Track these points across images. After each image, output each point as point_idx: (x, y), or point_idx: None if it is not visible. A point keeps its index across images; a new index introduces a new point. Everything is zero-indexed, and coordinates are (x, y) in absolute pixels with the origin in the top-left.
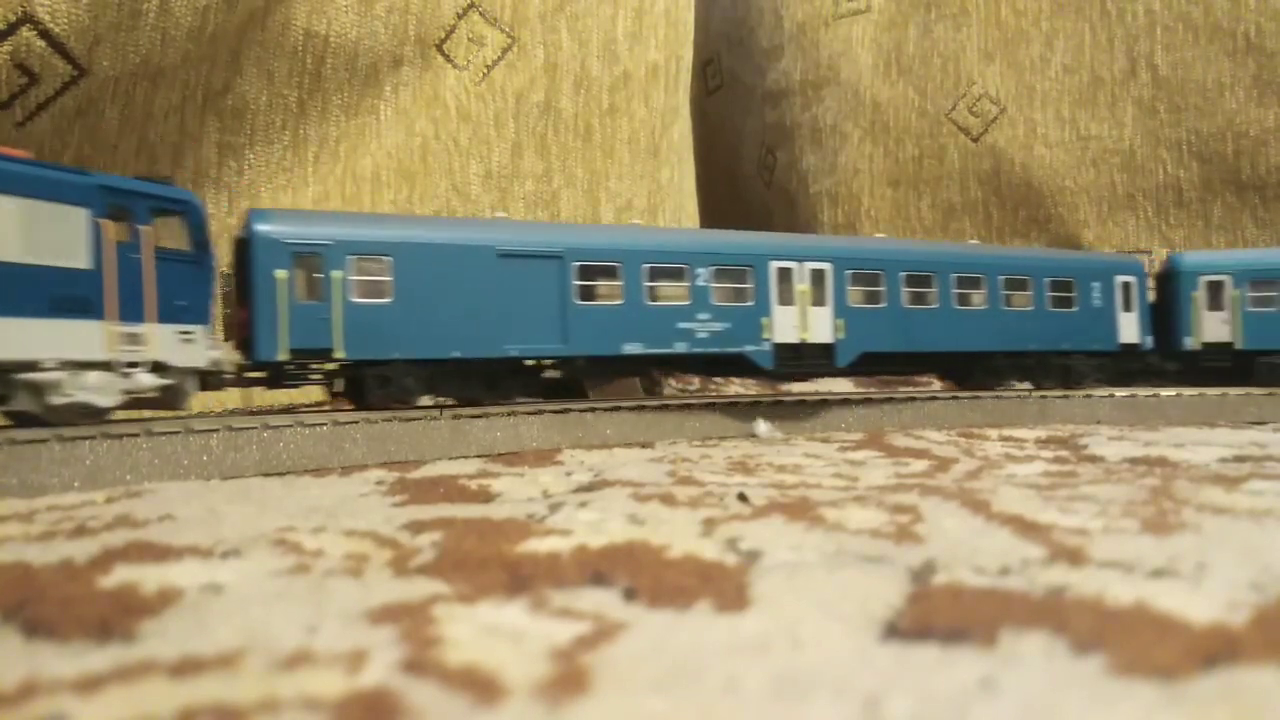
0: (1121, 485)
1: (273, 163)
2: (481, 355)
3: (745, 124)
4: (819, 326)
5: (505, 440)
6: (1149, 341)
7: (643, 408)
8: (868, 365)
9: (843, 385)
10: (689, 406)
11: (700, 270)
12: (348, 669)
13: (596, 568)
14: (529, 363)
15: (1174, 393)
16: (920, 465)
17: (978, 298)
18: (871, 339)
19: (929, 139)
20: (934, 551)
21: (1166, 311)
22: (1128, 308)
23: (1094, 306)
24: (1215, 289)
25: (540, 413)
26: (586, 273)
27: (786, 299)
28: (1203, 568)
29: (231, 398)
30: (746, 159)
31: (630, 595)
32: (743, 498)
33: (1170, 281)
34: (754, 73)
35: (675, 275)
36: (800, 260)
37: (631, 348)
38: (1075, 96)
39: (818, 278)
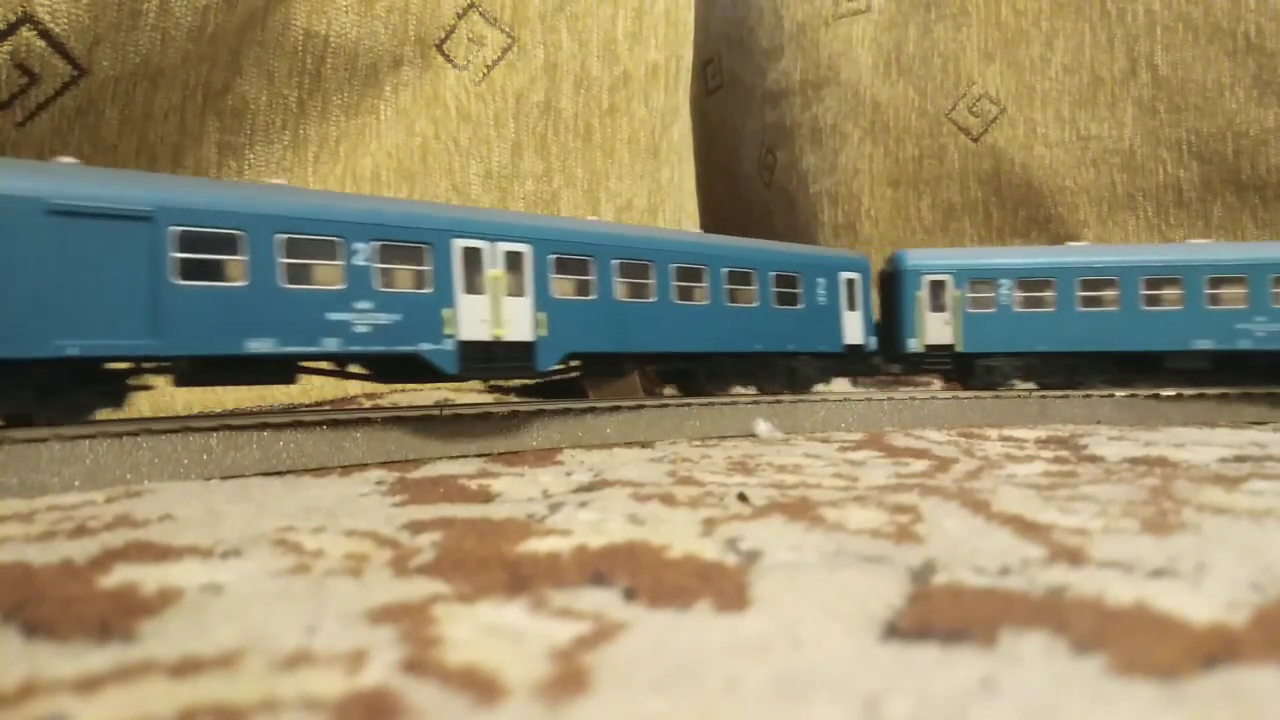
0: (1121, 485)
1: (273, 162)
2: (18, 355)
3: (745, 124)
4: (516, 321)
5: (505, 440)
6: (873, 342)
7: (642, 407)
8: (577, 369)
9: (842, 385)
10: (689, 406)
11: (358, 246)
12: (348, 669)
13: (596, 568)
14: (116, 366)
15: (1174, 393)
16: (920, 465)
17: (699, 292)
18: (579, 338)
19: (929, 139)
20: (934, 551)
21: (890, 311)
22: (852, 306)
23: (819, 304)
24: (937, 289)
25: (540, 412)
26: (191, 242)
27: (475, 287)
28: (1203, 568)
29: (230, 397)
30: (746, 159)
31: (630, 595)
32: (743, 498)
33: (894, 280)
34: (754, 73)
35: (323, 251)
36: (492, 239)
37: (259, 345)
38: (1075, 96)
39: (514, 261)
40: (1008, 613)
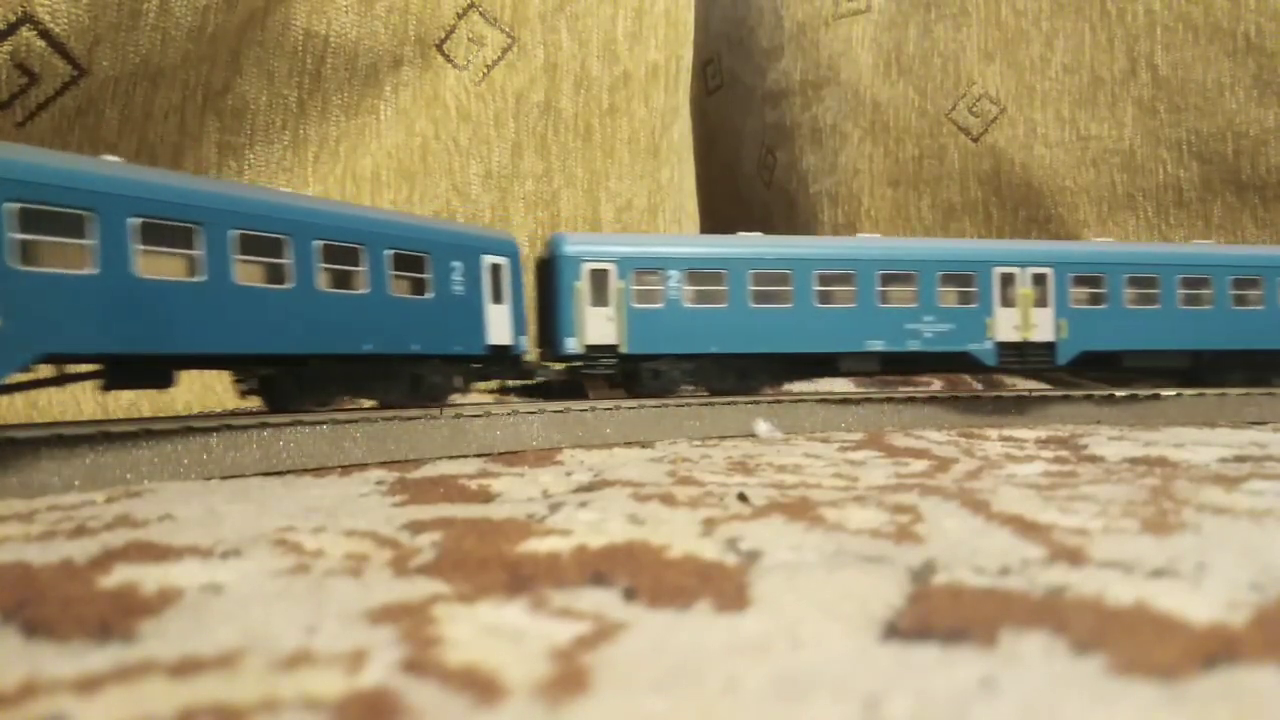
0: (1121, 485)
1: (273, 162)
2: None
3: (745, 124)
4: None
5: (505, 440)
6: (523, 343)
7: (643, 407)
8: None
9: (843, 385)
10: (689, 406)
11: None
12: (348, 669)
13: (596, 568)
14: None
15: (1174, 393)
16: (920, 465)
17: (278, 273)
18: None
19: (929, 139)
20: (934, 551)
21: (547, 306)
22: (498, 298)
23: (454, 295)
24: (600, 280)
25: (540, 412)
26: None
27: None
28: (1203, 568)
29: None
30: (746, 159)
31: (630, 595)
32: (743, 498)
33: (550, 269)
34: (754, 73)
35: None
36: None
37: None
38: (1075, 96)
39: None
40: (1008, 613)
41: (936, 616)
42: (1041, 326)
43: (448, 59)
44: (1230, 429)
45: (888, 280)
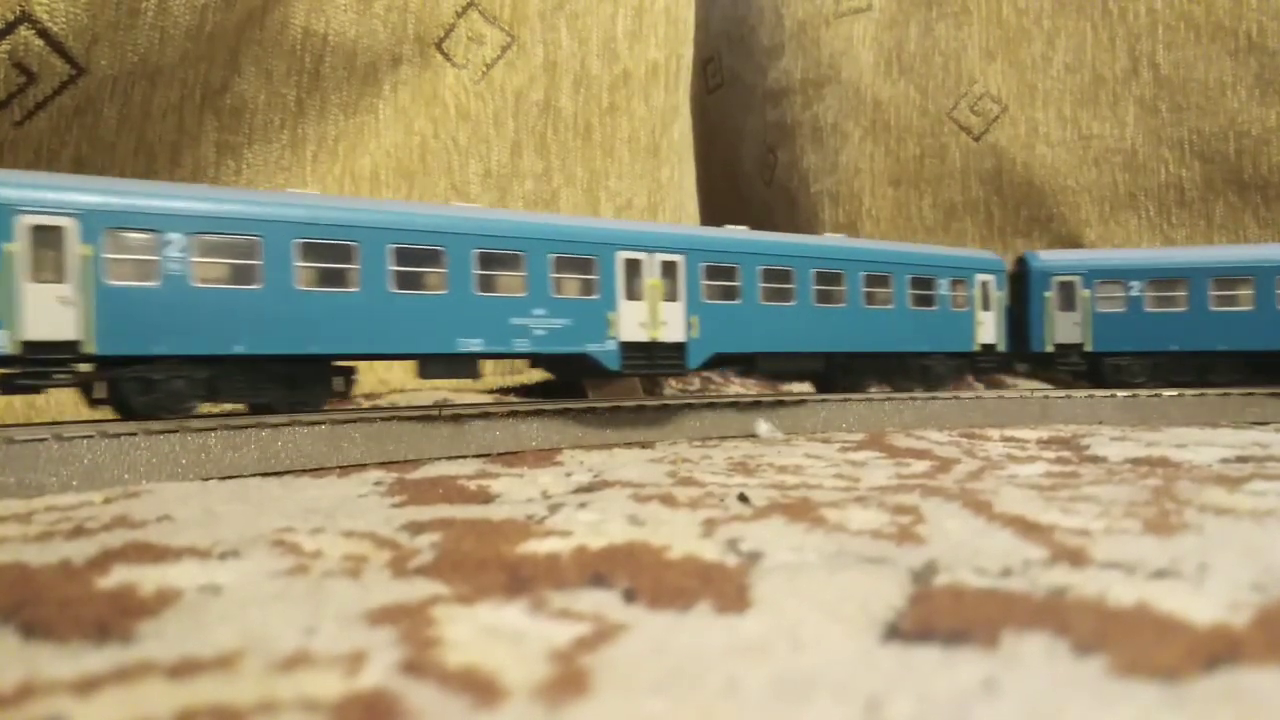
0: (1123, 486)
1: (271, 162)
2: None
3: (746, 123)
4: None
5: (504, 440)
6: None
7: (643, 408)
8: None
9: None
10: (690, 406)
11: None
12: (346, 670)
13: (596, 569)
14: None
15: (1176, 393)
16: (922, 466)
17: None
18: None
19: (930, 138)
20: (935, 552)
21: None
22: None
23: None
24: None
25: (540, 413)
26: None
27: None
28: (1205, 568)
29: None
30: (747, 158)
31: (630, 596)
32: (743, 498)
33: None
34: (755, 71)
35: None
36: None
37: None
38: (1077, 95)
39: None
40: (1009, 614)
41: (938, 618)
42: (672, 324)
43: (447, 58)
44: (1232, 429)
45: (488, 263)
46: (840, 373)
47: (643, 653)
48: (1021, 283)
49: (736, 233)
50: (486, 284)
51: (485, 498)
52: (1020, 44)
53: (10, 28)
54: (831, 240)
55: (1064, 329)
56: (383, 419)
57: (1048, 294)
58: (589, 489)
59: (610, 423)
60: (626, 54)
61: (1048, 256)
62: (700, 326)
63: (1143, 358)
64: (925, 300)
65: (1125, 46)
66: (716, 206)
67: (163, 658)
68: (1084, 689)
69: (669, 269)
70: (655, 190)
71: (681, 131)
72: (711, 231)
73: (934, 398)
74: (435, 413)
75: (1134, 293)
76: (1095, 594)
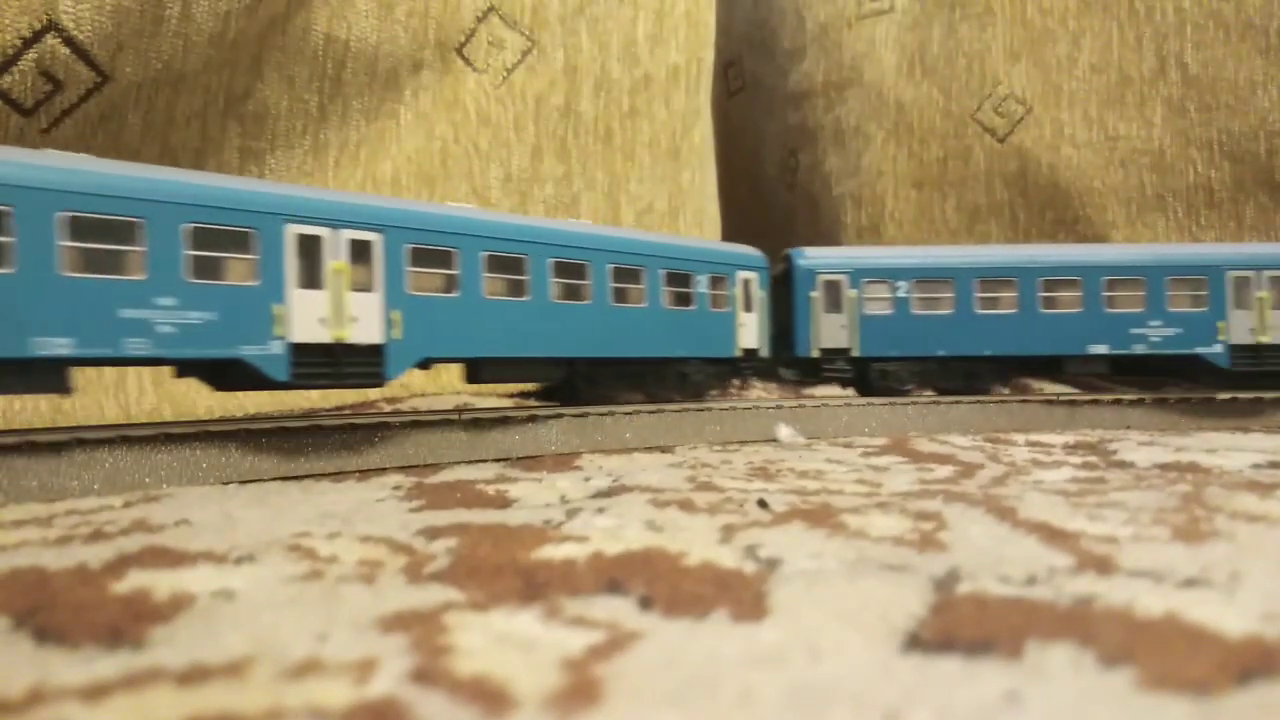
0: (1151, 492)
1: (293, 167)
2: None
3: (767, 126)
4: None
5: (524, 444)
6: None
7: (662, 411)
8: None
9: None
10: (710, 410)
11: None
12: (356, 678)
13: (612, 575)
14: None
15: (1204, 397)
16: (945, 471)
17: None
18: None
19: (954, 140)
20: (958, 560)
21: None
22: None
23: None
24: None
25: (559, 416)
26: None
27: None
28: (1236, 577)
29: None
30: (769, 161)
31: (646, 604)
32: (763, 504)
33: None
34: (776, 74)
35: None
36: None
37: None
38: (1103, 96)
39: None
40: (1034, 623)
41: (960, 627)
42: (365, 322)
43: (467, 62)
44: (1264, 434)
45: (85, 232)
46: (584, 382)
47: (656, 662)
48: (786, 282)
49: (455, 209)
50: (80, 261)
51: (503, 502)
52: (1045, 44)
53: (37, 36)
54: (575, 226)
55: (830, 332)
56: (402, 424)
57: (813, 294)
58: (607, 494)
59: (630, 427)
60: (647, 58)
61: (814, 254)
62: (405, 325)
63: (910, 363)
64: (683, 299)
65: (1152, 46)
66: (738, 211)
67: (173, 664)
68: (1111, 702)
69: (361, 250)
70: (676, 194)
71: (702, 135)
72: (421, 206)
73: (958, 402)
74: (455, 417)
75: (901, 294)
76: (1123, 603)
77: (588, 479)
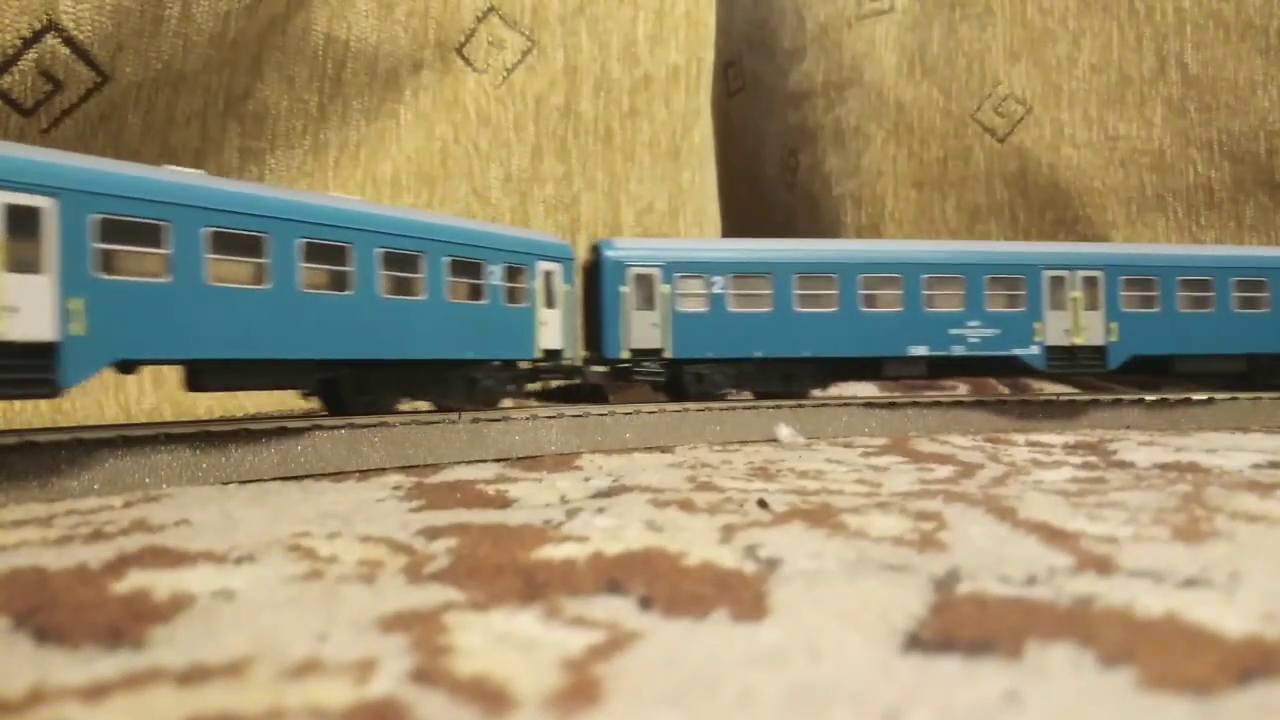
0: (1151, 492)
1: (293, 167)
2: None
3: (767, 126)
4: None
5: (524, 444)
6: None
7: (663, 411)
8: None
9: (867, 389)
10: (710, 410)
11: None
12: (356, 678)
13: (612, 575)
14: None
15: (1205, 397)
16: (945, 471)
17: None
18: None
19: (954, 140)
20: (958, 560)
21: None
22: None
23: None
24: None
25: (560, 416)
26: None
27: None
28: (1236, 577)
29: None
30: (769, 161)
31: (646, 604)
32: (763, 504)
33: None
34: (776, 74)
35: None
36: None
37: None
38: (1103, 96)
39: None
40: (1034, 623)
41: (960, 627)
42: (29, 314)
43: (467, 62)
44: (1264, 434)
45: None
46: (350, 390)
47: (656, 662)
48: (595, 275)
49: (164, 172)
50: None
51: (503, 502)
52: (1045, 44)
53: (37, 36)
54: (332, 200)
55: (641, 331)
56: (402, 423)
57: (623, 289)
58: (607, 494)
59: (630, 427)
60: (647, 58)
61: (624, 245)
62: (89, 317)
63: (726, 366)
64: (471, 292)
65: (1152, 46)
66: (738, 211)
67: (173, 664)
68: (1111, 702)
69: (22, 221)
70: (676, 194)
71: (703, 135)
72: (116, 165)
73: (959, 401)
74: (454, 417)
75: (716, 290)
76: (1123, 603)
77: (588, 479)
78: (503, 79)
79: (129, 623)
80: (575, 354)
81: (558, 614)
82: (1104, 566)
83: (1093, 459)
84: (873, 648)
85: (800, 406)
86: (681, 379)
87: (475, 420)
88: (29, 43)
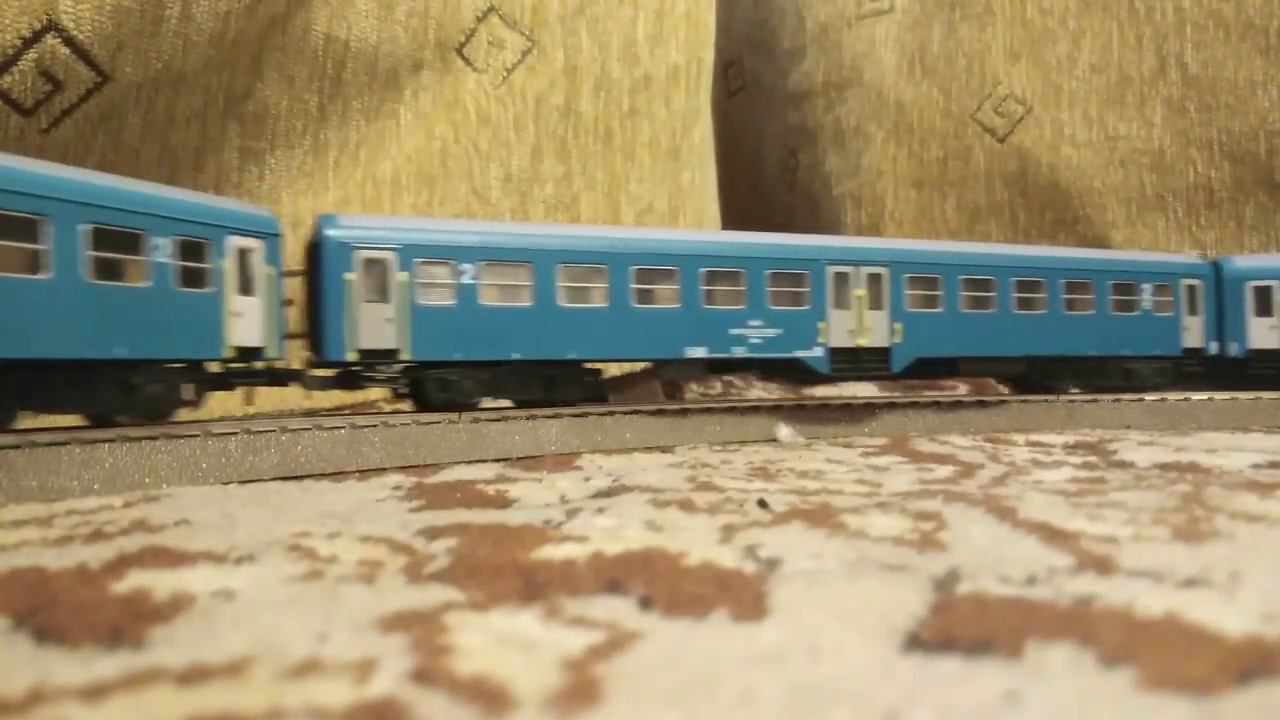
0: (1151, 492)
1: (293, 167)
2: None
3: (767, 126)
4: None
5: (524, 444)
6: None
7: (662, 412)
8: None
9: (867, 389)
10: (710, 410)
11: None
12: (356, 678)
13: (612, 575)
14: None
15: (1205, 397)
16: (945, 471)
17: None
18: None
19: (954, 140)
20: (958, 560)
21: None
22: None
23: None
24: None
25: (559, 416)
26: None
27: None
28: (1236, 577)
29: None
30: (769, 161)
31: (646, 604)
32: (763, 504)
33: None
34: (776, 74)
35: None
36: None
37: None
38: (1103, 96)
39: None
40: (1034, 623)
41: (960, 627)
42: None
43: (467, 62)
44: (1264, 434)
45: None
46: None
47: (656, 662)
48: (316, 258)
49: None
50: None
51: (503, 502)
52: (1045, 44)
53: (37, 36)
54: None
55: (372, 328)
56: (402, 423)
57: (349, 276)
58: (607, 494)
59: (630, 427)
60: (647, 58)
61: (350, 223)
62: None
63: (478, 370)
64: (126, 270)
65: (1152, 46)
66: (738, 211)
67: (173, 664)
68: (1111, 702)
69: None
70: (676, 194)
71: (703, 135)
72: None
73: (959, 401)
74: (454, 417)
75: (467, 279)
76: (1123, 603)
77: (588, 479)
78: (503, 79)
79: (129, 623)
80: (281, 352)
81: (558, 614)
82: (1104, 566)
83: (1093, 459)
84: (873, 648)
85: (800, 406)
86: (424, 385)
87: (475, 420)
88: (29, 43)
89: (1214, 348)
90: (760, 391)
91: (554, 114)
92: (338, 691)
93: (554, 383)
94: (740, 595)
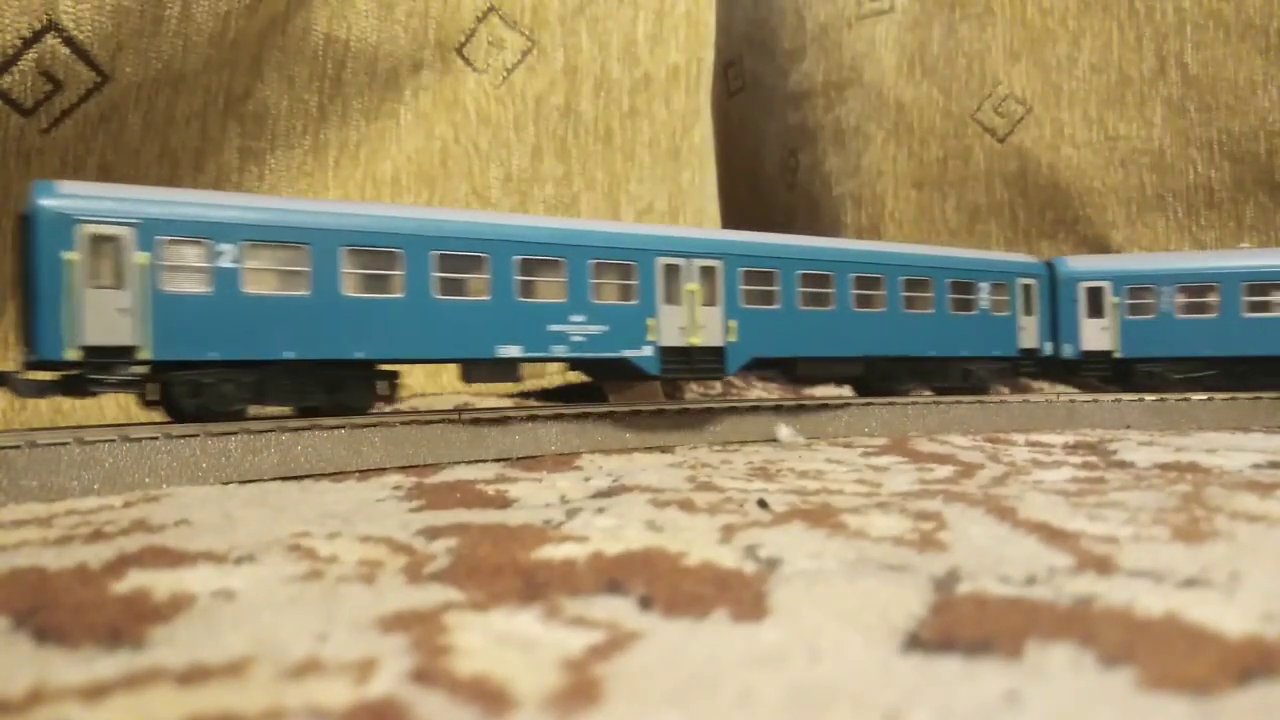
0: (1151, 492)
1: (293, 167)
2: None
3: (767, 126)
4: None
5: (524, 444)
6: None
7: (663, 412)
8: None
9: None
10: (710, 410)
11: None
12: (356, 678)
13: (612, 575)
14: None
15: (1205, 397)
16: (945, 471)
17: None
18: None
19: (954, 140)
20: (958, 560)
21: None
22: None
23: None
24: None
25: (560, 416)
26: None
27: None
28: (1236, 577)
29: None
30: (769, 161)
31: (646, 604)
32: (763, 504)
33: None
34: (776, 74)
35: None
36: None
37: None
38: (1103, 96)
39: None
40: (1034, 623)
41: (960, 627)
42: None
43: (467, 62)
44: (1264, 434)
45: None
46: None
47: (656, 662)
48: (29, 234)
49: None
50: None
51: (503, 502)
52: (1045, 44)
53: (37, 36)
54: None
55: (100, 321)
56: (402, 423)
57: (70, 256)
58: (607, 494)
59: (630, 427)
60: (647, 58)
61: (76, 190)
62: None
63: (243, 371)
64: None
65: (1152, 46)
66: (738, 211)
67: (173, 664)
68: (1111, 702)
69: None
70: (676, 194)
71: (702, 135)
72: None
73: (958, 402)
74: (455, 417)
75: (226, 262)
76: (1123, 603)
77: (588, 479)
78: (503, 79)
79: (129, 623)
80: None
81: (558, 614)
82: (1104, 566)
83: (1093, 459)
84: (873, 648)
85: (801, 406)
86: (172, 391)
87: (475, 420)
88: (29, 43)
89: (1048, 348)
90: (760, 391)
91: (554, 114)
92: (338, 691)
93: (339, 386)
94: (740, 595)
